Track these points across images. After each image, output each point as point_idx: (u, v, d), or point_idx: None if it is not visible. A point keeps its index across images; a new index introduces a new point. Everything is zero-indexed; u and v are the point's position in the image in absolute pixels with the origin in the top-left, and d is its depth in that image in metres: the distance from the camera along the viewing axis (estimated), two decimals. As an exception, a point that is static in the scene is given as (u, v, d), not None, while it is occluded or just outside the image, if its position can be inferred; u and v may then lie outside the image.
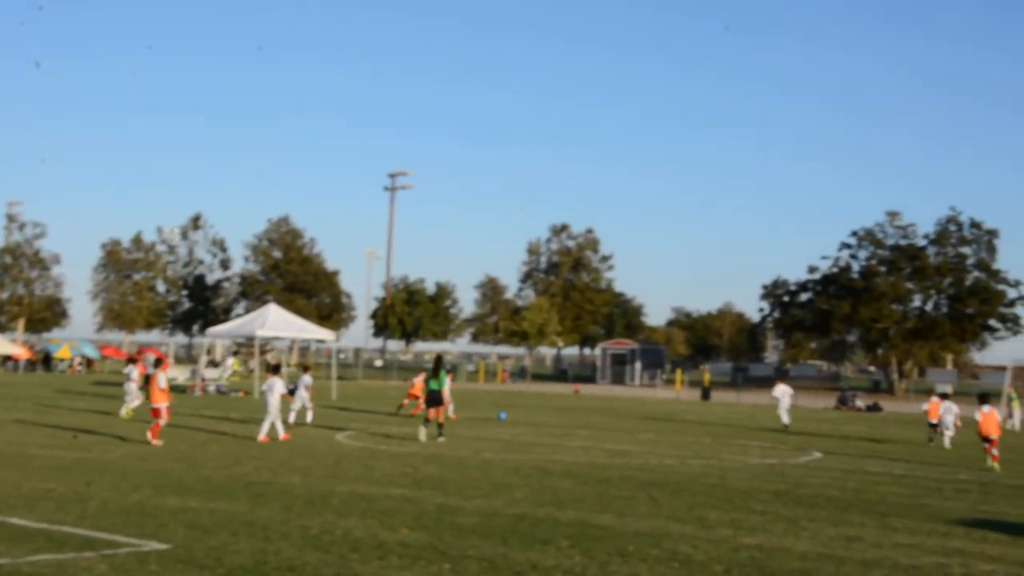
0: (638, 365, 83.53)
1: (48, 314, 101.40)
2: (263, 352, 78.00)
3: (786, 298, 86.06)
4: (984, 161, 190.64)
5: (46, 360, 71.55)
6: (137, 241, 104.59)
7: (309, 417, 28.20)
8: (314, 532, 11.60)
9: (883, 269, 78.96)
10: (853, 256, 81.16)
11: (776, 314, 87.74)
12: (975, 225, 77.91)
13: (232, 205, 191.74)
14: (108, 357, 79.23)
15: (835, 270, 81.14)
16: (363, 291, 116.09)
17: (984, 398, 24.00)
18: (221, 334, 51.82)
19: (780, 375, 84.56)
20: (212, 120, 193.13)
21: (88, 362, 73.94)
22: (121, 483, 15.24)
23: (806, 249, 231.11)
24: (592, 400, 53.53)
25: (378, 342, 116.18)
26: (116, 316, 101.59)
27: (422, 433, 24.25)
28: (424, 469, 18.36)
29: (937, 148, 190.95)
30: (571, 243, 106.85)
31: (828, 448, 26.43)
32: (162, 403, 21.98)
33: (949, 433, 28.38)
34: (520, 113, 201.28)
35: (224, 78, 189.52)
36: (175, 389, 47.04)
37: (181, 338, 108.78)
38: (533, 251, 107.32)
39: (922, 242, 79.02)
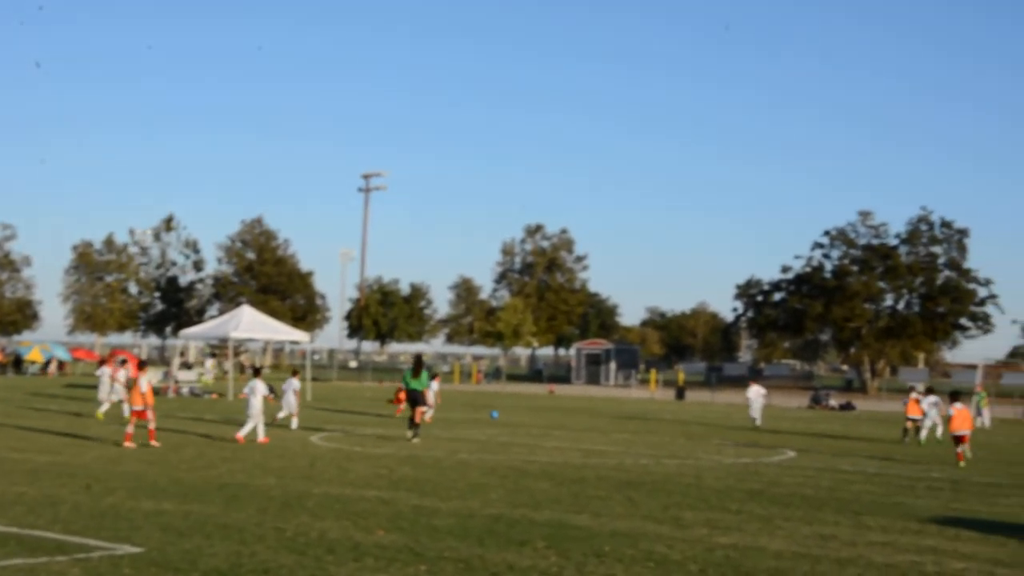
0: (613, 365, 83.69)
1: (19, 316, 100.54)
2: (237, 354, 77.61)
3: (760, 298, 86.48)
4: (954, 161, 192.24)
5: (17, 363, 70.93)
6: (109, 243, 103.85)
7: (294, 423, 27.88)
8: (289, 534, 11.55)
9: (855, 268, 79.45)
10: (826, 256, 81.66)
11: (750, 314, 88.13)
12: (946, 224, 78.54)
13: (205, 206, 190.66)
14: (80, 359, 78.61)
15: (808, 270, 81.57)
16: (337, 292, 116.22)
17: (956, 396, 24.30)
18: (195, 336, 51.57)
19: (754, 375, 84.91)
20: (184, 121, 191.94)
21: (59, 364, 73.37)
22: (94, 486, 15.12)
23: (779, 249, 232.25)
24: (567, 400, 53.60)
25: (352, 343, 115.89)
26: (88, 318, 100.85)
27: (410, 433, 24.42)
28: (399, 470, 18.33)
29: (908, 148, 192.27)
30: (545, 243, 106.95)
31: (802, 447, 26.57)
32: (139, 405, 21.98)
33: (927, 429, 28.76)
34: (493, 114, 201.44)
35: (197, 82, 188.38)
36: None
37: (154, 340, 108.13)
38: (507, 252, 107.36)
39: (894, 241, 79.58)
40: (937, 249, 79.01)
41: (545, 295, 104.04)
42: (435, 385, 35.38)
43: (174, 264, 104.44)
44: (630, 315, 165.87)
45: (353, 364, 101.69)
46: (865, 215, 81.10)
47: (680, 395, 60.97)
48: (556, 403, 49.34)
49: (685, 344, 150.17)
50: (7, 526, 11.57)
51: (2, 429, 25.14)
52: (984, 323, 78.16)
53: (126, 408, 28.70)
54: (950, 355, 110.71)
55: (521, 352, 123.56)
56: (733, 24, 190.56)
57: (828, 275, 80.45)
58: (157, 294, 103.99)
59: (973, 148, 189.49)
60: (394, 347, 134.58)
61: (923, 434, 28.97)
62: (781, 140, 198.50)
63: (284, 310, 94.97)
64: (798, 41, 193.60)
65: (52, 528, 11.56)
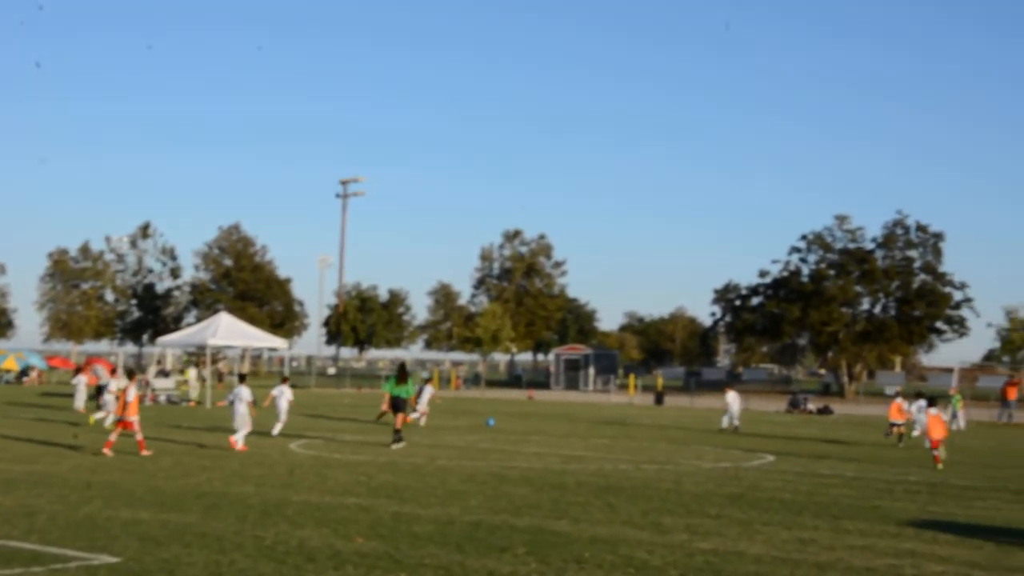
0: (591, 370, 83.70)
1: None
2: (215, 361, 77.19)
3: (737, 302, 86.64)
4: (929, 165, 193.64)
5: (-9, 371, 70.32)
6: (85, 250, 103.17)
7: (276, 431, 27.70)
8: (268, 542, 11.50)
9: (832, 273, 79.77)
10: (803, 260, 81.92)
11: (728, 318, 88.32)
12: (921, 228, 78.96)
13: (182, 213, 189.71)
14: (56, 368, 78.01)
15: (785, 274, 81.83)
16: (316, 299, 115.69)
17: (932, 401, 24.79)
18: (172, 343, 51.27)
19: (732, 379, 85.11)
20: (161, 128, 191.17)
21: (25, 372, 72.77)
22: (70, 496, 15.02)
23: (757, 253, 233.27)
24: (546, 406, 53.58)
25: (331, 350, 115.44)
26: (64, 326, 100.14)
27: (396, 444, 24.50)
28: (379, 477, 18.28)
29: (883, 152, 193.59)
30: (524, 249, 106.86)
31: (781, 451, 26.65)
32: (133, 416, 21.97)
33: (919, 431, 29.12)
34: (471, 120, 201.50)
35: (175, 89, 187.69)
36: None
37: (131, 348, 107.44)
38: (486, 257, 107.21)
39: (870, 245, 79.93)
40: (913, 253, 79.42)
41: (524, 300, 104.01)
42: (429, 389, 35.80)
43: (151, 271, 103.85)
44: (608, 320, 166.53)
45: (331, 371, 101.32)
46: (842, 219, 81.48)
47: (659, 400, 61.02)
48: (535, 409, 49.32)
49: (664, 349, 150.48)
50: (-18, 537, 11.47)
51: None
52: (960, 326, 78.60)
53: (110, 417, 28.63)
54: (926, 358, 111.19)
55: (500, 358, 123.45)
56: (711, 30, 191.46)
57: (805, 279, 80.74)
58: (134, 301, 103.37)
59: (948, 152, 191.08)
60: (373, 353, 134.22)
61: (916, 430, 29.50)
62: (758, 146, 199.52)
63: (262, 317, 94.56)
64: (774, 48, 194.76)
65: (28, 538, 11.47)
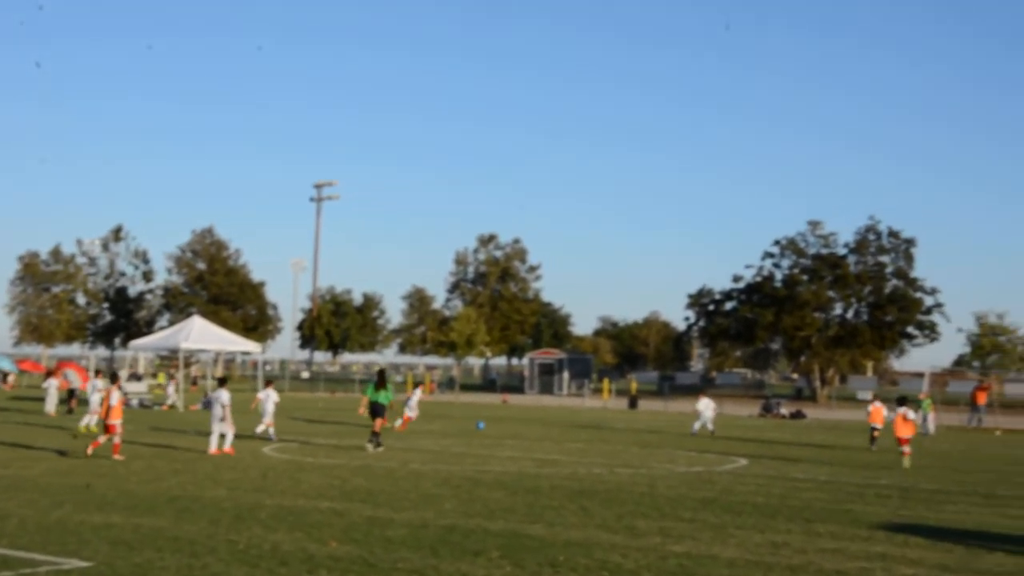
0: (566, 375, 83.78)
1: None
2: (187, 365, 76.73)
3: (711, 307, 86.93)
4: (901, 171, 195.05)
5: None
6: (56, 253, 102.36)
7: (260, 429, 27.96)
8: (241, 547, 11.46)
9: (805, 278, 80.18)
10: (776, 265, 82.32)
11: (701, 323, 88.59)
12: (893, 234, 79.51)
13: (155, 216, 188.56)
14: (26, 371, 77.36)
15: (759, 279, 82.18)
16: (289, 302, 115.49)
17: (901, 401, 25.54)
18: (144, 347, 50.98)
19: (705, 383, 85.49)
20: (134, 131, 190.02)
21: (3, 376, 72.19)
22: (41, 500, 14.90)
23: (730, 258, 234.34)
24: (520, 410, 53.61)
25: (305, 353, 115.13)
26: (34, 329, 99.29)
27: (370, 446, 24.65)
28: (353, 481, 18.24)
29: (856, 158, 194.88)
30: (499, 253, 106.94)
31: (754, 455, 26.77)
32: (116, 419, 21.90)
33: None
34: (445, 124, 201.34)
35: (147, 92, 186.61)
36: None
37: (102, 351, 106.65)
38: (460, 261, 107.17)
39: (843, 251, 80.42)
40: (885, 259, 79.95)
41: (498, 305, 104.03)
42: (418, 393, 36.15)
43: (123, 275, 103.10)
44: (583, 325, 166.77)
45: (305, 375, 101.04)
46: (814, 225, 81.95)
47: (633, 404, 61.18)
48: (509, 412, 49.35)
49: (638, 353, 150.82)
50: (-48, 541, 11.37)
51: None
52: (931, 331, 79.17)
53: (95, 419, 28.59)
54: (898, 363, 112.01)
55: (474, 362, 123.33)
56: (685, 35, 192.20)
57: (779, 284, 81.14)
58: (105, 305, 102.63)
59: (920, 159, 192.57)
60: (347, 357, 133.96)
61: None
62: (732, 151, 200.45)
63: (235, 320, 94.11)
64: (746, 53, 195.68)
65: (-2, 543, 11.38)
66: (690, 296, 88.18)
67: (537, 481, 18.95)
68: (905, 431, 24.80)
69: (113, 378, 24.17)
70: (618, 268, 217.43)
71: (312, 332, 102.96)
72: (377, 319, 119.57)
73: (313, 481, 18.13)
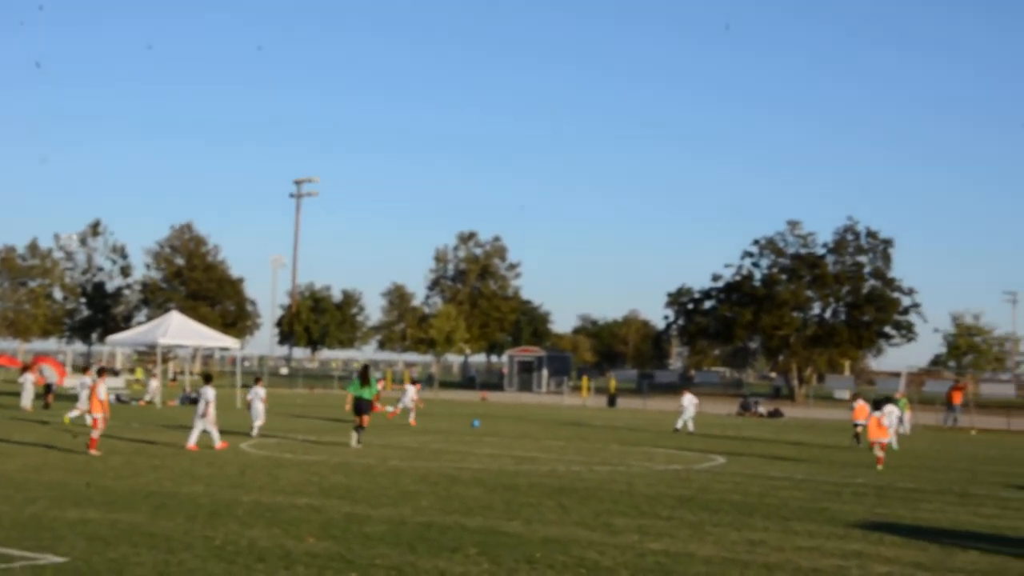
0: (545, 372, 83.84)
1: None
2: (165, 361, 76.34)
3: (690, 306, 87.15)
4: (880, 172, 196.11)
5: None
6: (33, 248, 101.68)
7: (255, 431, 27.89)
8: (218, 542, 11.42)
9: (784, 277, 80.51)
10: (755, 264, 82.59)
11: (680, 321, 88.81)
12: (871, 234, 79.91)
13: (133, 212, 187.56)
14: (2, 366, 76.84)
15: (738, 278, 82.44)
16: (268, 298, 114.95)
17: (877, 404, 25.72)
18: (122, 342, 50.70)
19: (685, 382, 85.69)
20: (113, 124, 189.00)
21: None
22: (15, 495, 14.81)
23: (710, 257, 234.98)
24: (499, 407, 53.62)
25: (284, 350, 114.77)
26: (10, 324, 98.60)
27: (353, 439, 24.78)
28: (331, 478, 18.21)
29: (835, 158, 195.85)
30: (478, 251, 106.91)
31: (731, 453, 26.87)
32: (99, 413, 21.89)
33: (893, 437, 29.57)
34: (426, 120, 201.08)
35: (126, 85, 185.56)
36: (74, 398, 45.91)
37: (80, 346, 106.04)
38: (440, 258, 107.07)
39: (821, 251, 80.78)
40: (863, 259, 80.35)
41: (478, 302, 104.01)
42: (412, 389, 36.33)
43: (101, 269, 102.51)
44: (562, 322, 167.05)
45: (284, 371, 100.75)
46: (793, 224, 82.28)
47: (612, 402, 61.29)
48: (488, 410, 49.33)
49: (617, 351, 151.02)
50: (-75, 536, 11.29)
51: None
52: (908, 331, 79.63)
53: (84, 415, 28.52)
54: (875, 363, 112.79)
55: (454, 359, 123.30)
56: (664, 34, 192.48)
57: (757, 284, 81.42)
58: (83, 300, 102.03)
59: (899, 160, 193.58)
60: (325, 354, 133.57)
61: (894, 442, 29.96)
62: (711, 151, 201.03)
63: (214, 316, 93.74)
64: (730, 53, 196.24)
65: (-28, 538, 11.30)
66: (669, 295, 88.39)
67: (515, 478, 18.96)
68: (879, 434, 24.85)
69: (99, 372, 24.15)
70: (598, 266, 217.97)
71: (291, 328, 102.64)
72: (356, 316, 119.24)
73: (291, 477, 18.08)
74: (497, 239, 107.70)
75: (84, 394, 30.44)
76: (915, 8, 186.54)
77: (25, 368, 42.74)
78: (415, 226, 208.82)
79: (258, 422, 27.90)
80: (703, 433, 35.37)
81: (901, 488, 19.66)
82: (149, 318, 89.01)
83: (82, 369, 35.38)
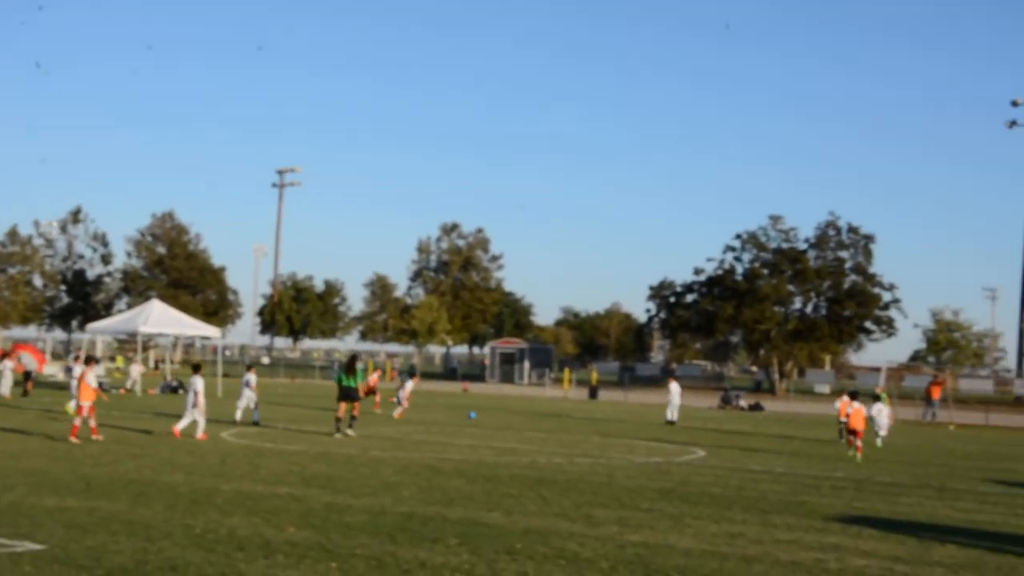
0: (527, 364, 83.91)
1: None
2: (146, 349, 76.08)
3: (672, 299, 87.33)
4: (862, 167, 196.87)
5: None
6: (12, 235, 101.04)
7: (239, 415, 28.22)
8: (198, 531, 11.39)
9: (766, 272, 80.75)
10: (737, 259, 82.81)
11: (662, 315, 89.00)
12: (853, 230, 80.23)
13: (114, 199, 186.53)
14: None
15: (720, 272, 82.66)
16: (250, 288, 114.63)
17: (854, 395, 26.12)
18: (102, 330, 50.47)
19: (668, 374, 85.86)
20: (94, 111, 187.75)
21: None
22: (-6, 483, 14.73)
23: (692, 251, 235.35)
24: (481, 399, 53.64)
25: (265, 339, 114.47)
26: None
27: (338, 434, 25.02)
28: (312, 467, 18.19)
29: (818, 153, 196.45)
30: (461, 242, 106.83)
31: (712, 447, 26.96)
32: (87, 401, 21.86)
33: (883, 433, 29.73)
34: (409, 110, 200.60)
35: (107, 71, 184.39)
36: (53, 386, 45.70)
37: (59, 334, 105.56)
38: (423, 250, 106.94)
39: (803, 246, 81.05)
40: (844, 254, 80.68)
41: (460, 294, 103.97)
42: (410, 383, 36.33)
43: (81, 257, 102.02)
44: (544, 315, 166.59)
45: (265, 360, 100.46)
46: (775, 219, 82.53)
47: (593, 394, 61.39)
48: (470, 401, 49.34)
49: (598, 344, 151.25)
50: (-98, 523, 11.22)
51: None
52: (888, 327, 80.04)
53: (73, 401, 28.50)
54: (855, 358, 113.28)
55: (435, 350, 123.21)
56: (657, 21, 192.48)
57: (739, 278, 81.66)
58: (63, 287, 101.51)
59: (880, 155, 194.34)
60: (307, 344, 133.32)
61: (879, 441, 30.08)
62: (694, 145, 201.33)
63: (195, 305, 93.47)
64: (712, 47, 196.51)
65: (-50, 525, 11.24)
66: (651, 288, 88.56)
67: (496, 469, 18.98)
68: (859, 423, 25.42)
69: (88, 360, 24.09)
70: (580, 259, 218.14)
71: (273, 318, 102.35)
72: (338, 306, 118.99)
73: (272, 467, 18.04)
74: (480, 231, 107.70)
75: (75, 383, 30.36)
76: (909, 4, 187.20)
77: (4, 355, 42.48)
78: (398, 217, 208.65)
79: (243, 404, 28.05)
80: (684, 426, 35.50)
81: (880, 482, 19.77)
82: (130, 306, 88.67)
83: (75, 357, 35.21)
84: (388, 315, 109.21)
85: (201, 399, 23.17)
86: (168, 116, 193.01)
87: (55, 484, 14.80)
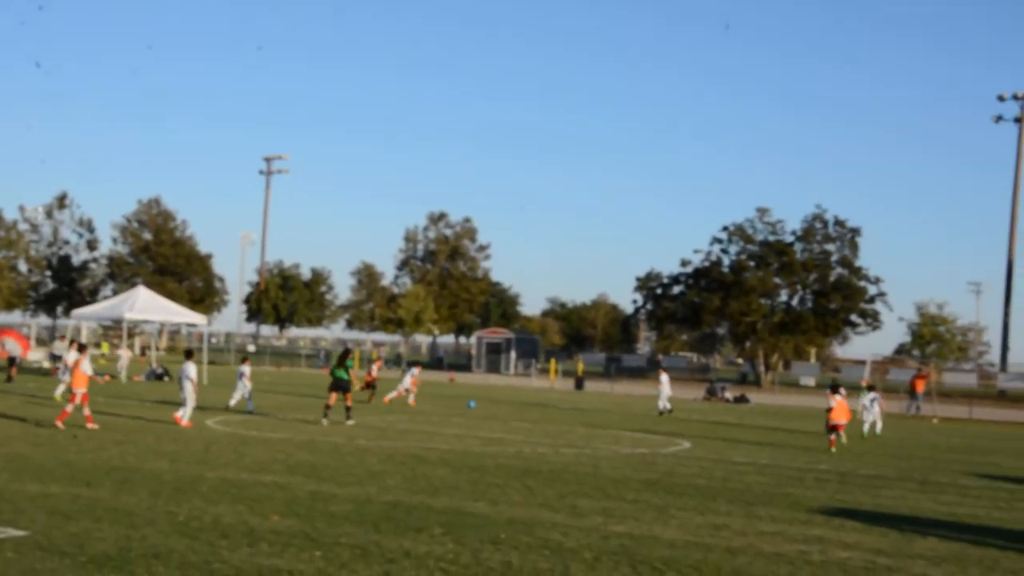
0: (513, 354, 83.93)
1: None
2: (131, 336, 75.83)
3: (659, 290, 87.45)
4: (849, 160, 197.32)
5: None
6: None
7: (232, 402, 29.04)
8: (182, 519, 11.36)
9: (752, 264, 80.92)
10: (724, 251, 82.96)
11: (649, 306, 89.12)
12: (839, 223, 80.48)
13: (100, 185, 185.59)
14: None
15: (706, 264, 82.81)
16: (237, 275, 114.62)
17: (835, 388, 26.18)
18: (87, 316, 50.30)
19: (656, 365, 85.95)
20: (80, 96, 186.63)
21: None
22: (-21, 469, 14.66)
23: (679, 243, 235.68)
24: (467, 388, 53.64)
25: (251, 327, 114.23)
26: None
27: (325, 421, 25.36)
28: (296, 455, 18.17)
29: (804, 148, 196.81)
30: (448, 231, 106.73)
31: (697, 438, 27.02)
32: (82, 388, 21.83)
33: (879, 424, 30.01)
34: (398, 99, 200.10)
35: (93, 57, 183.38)
36: (38, 372, 45.54)
37: (44, 319, 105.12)
38: (410, 239, 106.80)
39: (789, 238, 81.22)
40: (830, 247, 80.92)
41: (447, 283, 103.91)
42: (413, 372, 36.44)
43: (67, 243, 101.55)
44: (531, 305, 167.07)
45: (251, 348, 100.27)
46: (762, 212, 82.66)
47: (579, 385, 61.46)
48: (456, 391, 49.36)
49: (585, 335, 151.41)
50: None
51: None
52: (873, 320, 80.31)
53: (62, 388, 28.52)
54: (840, 350, 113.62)
55: (422, 339, 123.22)
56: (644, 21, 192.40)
57: (726, 270, 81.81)
58: (48, 273, 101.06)
59: (867, 149, 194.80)
60: (293, 332, 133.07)
61: (878, 429, 30.52)
62: (682, 137, 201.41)
63: (181, 292, 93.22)
64: (693, 42, 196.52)
65: (-68, 511, 11.19)
66: (638, 279, 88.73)
67: (481, 459, 18.99)
68: (842, 416, 25.55)
69: (81, 348, 24.08)
70: (567, 250, 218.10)
71: (259, 306, 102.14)
72: (325, 294, 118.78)
73: (257, 455, 18.02)
74: (467, 220, 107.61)
75: (63, 370, 30.44)
76: (888, 18, 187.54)
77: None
78: (385, 205, 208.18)
79: (237, 396, 28.75)
80: (670, 417, 35.59)
81: (863, 475, 19.85)
82: (115, 292, 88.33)
83: (70, 343, 35.07)
84: (375, 304, 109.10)
85: (189, 386, 23.22)
86: (155, 104, 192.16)
87: (38, 470, 14.75)
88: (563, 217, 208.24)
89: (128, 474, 14.76)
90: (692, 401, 51.69)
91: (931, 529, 13.26)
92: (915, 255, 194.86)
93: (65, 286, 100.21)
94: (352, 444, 20.72)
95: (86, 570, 8.88)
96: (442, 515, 12.41)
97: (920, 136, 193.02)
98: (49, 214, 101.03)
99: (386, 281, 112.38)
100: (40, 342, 74.35)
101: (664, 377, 38.14)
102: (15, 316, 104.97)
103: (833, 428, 25.55)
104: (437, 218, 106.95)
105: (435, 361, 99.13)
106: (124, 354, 46.34)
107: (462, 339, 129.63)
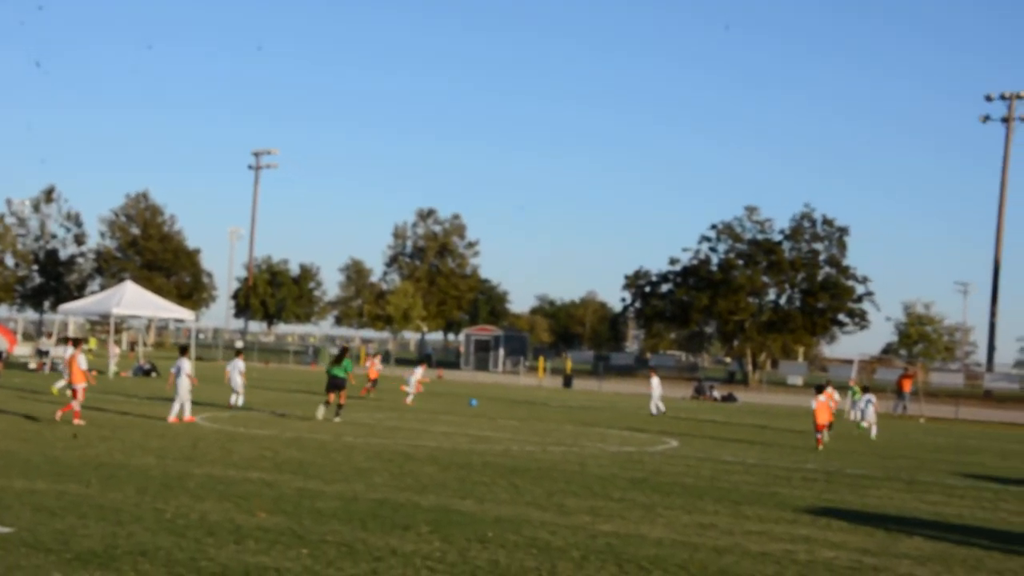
0: (501, 352, 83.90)
1: None
2: (119, 331, 75.54)
3: (647, 289, 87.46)
4: (836, 161, 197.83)
5: None
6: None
7: (240, 401, 29.28)
8: (168, 516, 11.34)
9: (741, 263, 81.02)
10: (712, 249, 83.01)
11: (637, 304, 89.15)
12: (827, 222, 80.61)
13: (88, 179, 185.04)
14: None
15: (695, 262, 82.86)
16: (225, 271, 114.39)
17: (820, 388, 26.28)
18: (75, 311, 50.14)
19: (641, 364, 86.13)
20: (67, 88, 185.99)
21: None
22: (-38, 464, 14.60)
23: (668, 241, 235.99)
24: (455, 386, 53.63)
25: (239, 323, 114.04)
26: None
27: (320, 411, 25.61)
28: (284, 452, 18.14)
29: (793, 147, 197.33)
30: (437, 228, 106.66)
31: (684, 437, 27.06)
32: (81, 384, 21.79)
33: (874, 429, 30.16)
34: (388, 94, 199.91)
35: (81, 48, 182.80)
36: (24, 367, 45.35)
37: (31, 314, 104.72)
38: (399, 235, 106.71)
39: (778, 237, 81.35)
40: (818, 246, 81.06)
41: (436, 280, 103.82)
42: (419, 371, 36.45)
43: (54, 237, 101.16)
44: (520, 302, 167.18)
45: (239, 344, 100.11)
46: (751, 210, 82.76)
47: (567, 383, 61.47)
48: (444, 388, 49.34)
49: (573, 333, 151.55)
50: None
51: None
52: (861, 319, 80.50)
53: (61, 383, 28.44)
54: (828, 350, 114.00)
55: (410, 336, 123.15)
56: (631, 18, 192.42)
57: (714, 268, 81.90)
58: (35, 267, 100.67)
59: (853, 151, 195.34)
60: (282, 328, 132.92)
61: (863, 425, 30.75)
62: (670, 135, 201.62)
63: (169, 287, 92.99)
64: (682, 37, 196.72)
65: (-83, 507, 11.14)
66: (627, 277, 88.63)
67: (469, 457, 18.99)
68: (824, 416, 25.66)
69: (76, 343, 23.92)
70: (556, 247, 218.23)
71: (247, 302, 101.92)
72: (314, 290, 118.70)
73: (244, 451, 17.98)
74: (456, 217, 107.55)
75: (57, 364, 30.42)
76: (881, 16, 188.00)
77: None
78: (374, 202, 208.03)
79: (237, 394, 29.11)
80: (657, 417, 35.62)
81: (850, 474, 19.90)
82: (103, 287, 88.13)
83: (66, 340, 34.93)
84: (363, 300, 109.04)
85: (174, 381, 23.20)
86: (144, 97, 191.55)
87: (24, 466, 14.70)
88: (552, 215, 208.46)
89: (114, 470, 14.72)
90: (680, 399, 51.74)
91: (917, 529, 13.31)
92: (903, 255, 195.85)
93: (52, 280, 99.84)
94: (339, 441, 20.70)
95: (72, 567, 8.86)
96: (429, 513, 12.40)
97: (908, 135, 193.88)
98: (36, 208, 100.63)
99: (375, 277, 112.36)
100: (27, 337, 74.13)
101: (655, 380, 37.98)
102: (1, 310, 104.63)
103: (822, 427, 25.64)
104: (426, 215, 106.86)
105: (424, 358, 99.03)
106: (115, 349, 46.24)
107: (451, 336, 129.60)
